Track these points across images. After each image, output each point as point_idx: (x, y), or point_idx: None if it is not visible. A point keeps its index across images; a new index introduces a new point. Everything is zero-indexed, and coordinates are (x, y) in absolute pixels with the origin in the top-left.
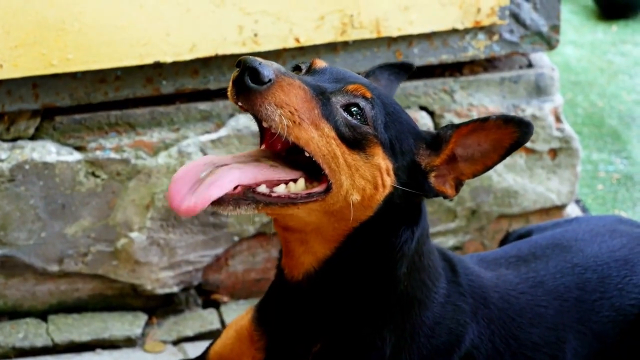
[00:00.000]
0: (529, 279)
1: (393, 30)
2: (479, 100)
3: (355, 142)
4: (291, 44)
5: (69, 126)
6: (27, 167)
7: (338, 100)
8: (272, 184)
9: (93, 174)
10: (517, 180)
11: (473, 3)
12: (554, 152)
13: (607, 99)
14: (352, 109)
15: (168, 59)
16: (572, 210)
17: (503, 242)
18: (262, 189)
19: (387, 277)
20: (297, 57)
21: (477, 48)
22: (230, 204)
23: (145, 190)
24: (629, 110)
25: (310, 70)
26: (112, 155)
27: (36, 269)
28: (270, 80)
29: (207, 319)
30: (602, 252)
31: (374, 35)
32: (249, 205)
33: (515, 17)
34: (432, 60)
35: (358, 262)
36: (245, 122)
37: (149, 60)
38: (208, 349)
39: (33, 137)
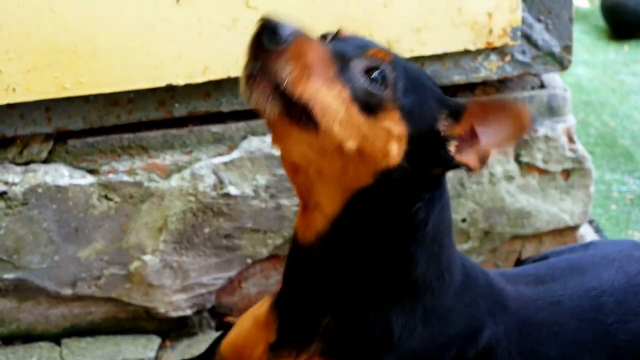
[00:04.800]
0: (547, 298)
1: (405, 51)
2: None
3: (369, 107)
4: None
5: (82, 149)
6: (40, 190)
7: (357, 65)
8: None
9: (106, 197)
10: (530, 201)
11: (485, 24)
12: (566, 173)
13: (619, 119)
14: (372, 74)
15: (180, 81)
16: (586, 231)
17: (517, 266)
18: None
19: (402, 257)
20: None
21: (490, 69)
22: (268, 90)
23: (158, 213)
24: None
25: (335, 38)
26: (125, 178)
27: (49, 292)
28: (288, 39)
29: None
30: (619, 277)
31: None
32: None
33: (527, 38)
34: (445, 81)
35: (368, 229)
36: (257, 144)
37: (161, 83)
38: (218, 341)
39: (46, 161)
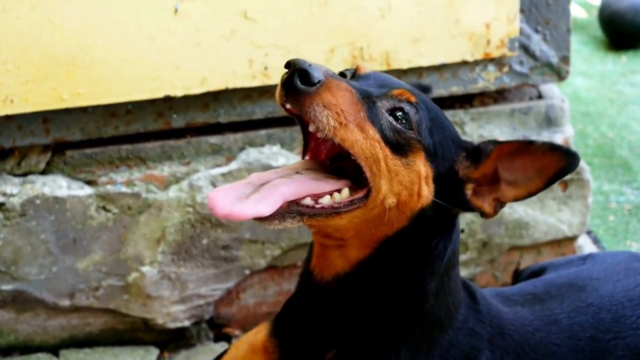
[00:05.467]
0: (544, 317)
1: (403, 62)
2: (489, 131)
3: (398, 146)
4: None
5: (80, 160)
6: (38, 201)
7: (383, 105)
8: (317, 195)
9: (104, 208)
10: (528, 211)
11: (483, 35)
12: (565, 184)
13: (617, 129)
14: (397, 114)
15: (178, 92)
16: (584, 242)
17: (515, 277)
18: (307, 201)
19: (416, 292)
20: None
21: (487, 80)
22: (275, 218)
23: (156, 224)
24: None
25: (355, 76)
26: (123, 189)
27: (47, 303)
28: (319, 81)
29: (219, 353)
30: (617, 292)
31: (384, 68)
32: (294, 219)
33: (525, 49)
34: (442, 92)
35: (389, 270)
36: (255, 155)
37: (159, 94)
38: None
39: (44, 172)
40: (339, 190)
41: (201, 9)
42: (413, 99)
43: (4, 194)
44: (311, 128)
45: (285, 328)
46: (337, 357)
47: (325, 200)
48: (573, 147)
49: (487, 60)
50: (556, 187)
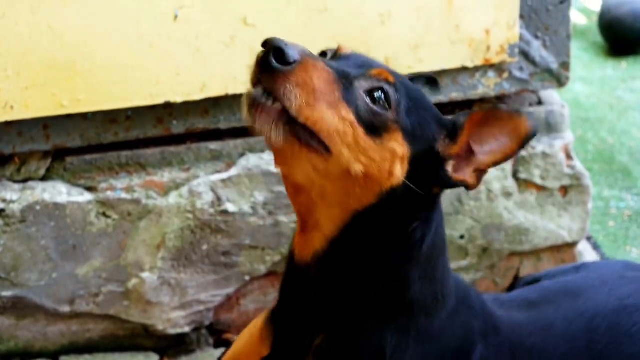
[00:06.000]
0: (539, 322)
1: (403, 68)
2: None
3: (373, 127)
4: None
5: (80, 167)
6: (38, 208)
7: (361, 85)
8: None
9: (104, 214)
10: (528, 217)
11: (483, 41)
12: (564, 190)
13: (617, 135)
14: (375, 94)
15: (178, 98)
16: (584, 248)
17: (513, 286)
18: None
19: (396, 277)
20: None
21: (487, 86)
22: (272, 116)
23: (156, 230)
24: None
25: (336, 56)
26: (123, 195)
27: (47, 309)
28: (295, 60)
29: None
30: (612, 300)
31: None
32: (281, 126)
33: (525, 55)
34: (442, 98)
35: (364, 250)
36: (255, 161)
37: (159, 100)
38: (221, 356)
39: (44, 178)
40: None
41: (201, 15)
42: (392, 79)
43: (4, 201)
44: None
45: (278, 315)
46: (324, 342)
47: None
48: (573, 153)
49: (487, 66)
50: (556, 193)
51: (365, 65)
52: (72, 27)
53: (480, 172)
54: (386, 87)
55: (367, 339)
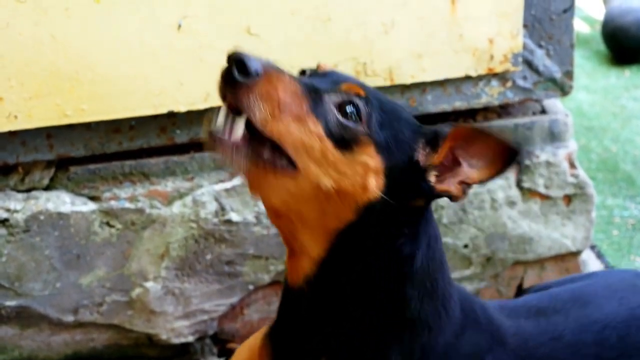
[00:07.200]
0: (548, 332)
1: (406, 77)
2: None
3: (343, 141)
4: None
5: (84, 176)
6: (41, 217)
7: (331, 99)
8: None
9: (108, 223)
10: (532, 226)
11: (486, 50)
12: (568, 198)
13: (620, 144)
14: (346, 107)
15: (182, 108)
16: (588, 257)
17: (518, 294)
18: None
19: (391, 296)
20: None
21: (491, 95)
22: (232, 147)
23: (160, 240)
24: None
25: (314, 74)
26: (127, 205)
27: (51, 319)
28: (257, 73)
29: None
30: (622, 310)
31: (388, 83)
32: (240, 153)
33: (529, 64)
34: (446, 107)
35: (356, 270)
36: None
37: (162, 110)
38: None
39: (47, 188)
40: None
41: (204, 25)
42: (362, 93)
43: (8, 210)
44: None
45: (277, 334)
46: None
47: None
48: (577, 162)
49: (491, 76)
50: (560, 201)
51: (337, 81)
52: (76, 37)
53: (466, 185)
54: (356, 100)
55: None
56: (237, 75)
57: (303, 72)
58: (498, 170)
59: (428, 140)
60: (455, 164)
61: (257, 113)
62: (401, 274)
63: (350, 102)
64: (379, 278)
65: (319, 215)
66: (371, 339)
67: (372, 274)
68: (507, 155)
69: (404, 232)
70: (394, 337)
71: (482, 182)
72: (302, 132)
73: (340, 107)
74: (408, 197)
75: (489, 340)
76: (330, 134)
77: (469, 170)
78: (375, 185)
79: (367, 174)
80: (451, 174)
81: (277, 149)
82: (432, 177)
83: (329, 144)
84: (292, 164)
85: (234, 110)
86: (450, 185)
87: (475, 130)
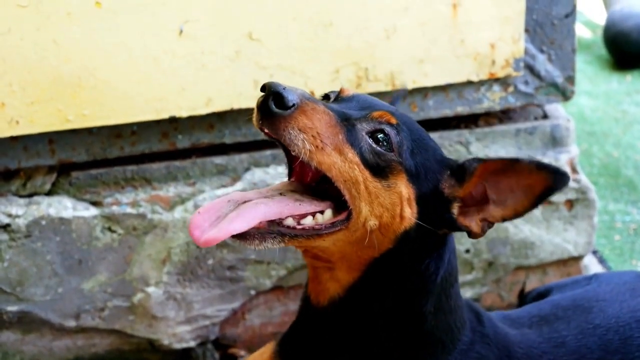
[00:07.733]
0: (552, 339)
1: (408, 82)
2: (494, 151)
3: (378, 169)
4: None
5: (85, 181)
6: (43, 222)
7: (363, 127)
8: (300, 216)
9: (109, 229)
10: (534, 231)
11: (488, 55)
12: (570, 203)
13: (622, 149)
14: (378, 135)
15: (184, 113)
16: (589, 261)
17: (521, 298)
18: (289, 222)
19: (412, 312)
20: None
21: (492, 100)
22: (255, 238)
23: (161, 245)
24: None
25: (338, 98)
26: (129, 210)
27: (53, 324)
28: (294, 105)
29: None
30: (624, 313)
31: (389, 88)
32: (275, 239)
33: (530, 69)
34: (448, 112)
35: (381, 292)
36: (260, 175)
37: (164, 115)
38: None
39: (49, 193)
40: (321, 212)
41: (206, 30)
42: (394, 121)
43: (10, 215)
44: (291, 151)
45: (290, 350)
46: None
47: (308, 222)
48: (579, 167)
49: (492, 80)
50: (562, 206)
51: (367, 107)
52: (78, 43)
53: (488, 223)
54: (388, 129)
55: None
56: (274, 107)
57: (326, 96)
58: (528, 203)
59: (453, 171)
60: (483, 199)
61: (301, 145)
62: (424, 291)
63: (382, 131)
64: (403, 296)
65: (359, 249)
66: (389, 355)
67: (397, 293)
68: (549, 182)
69: (431, 253)
70: (409, 354)
71: (504, 220)
72: (344, 162)
73: (372, 135)
74: (437, 224)
75: (496, 353)
76: (366, 163)
77: (494, 208)
78: (410, 213)
79: (403, 203)
80: (476, 209)
81: (317, 194)
82: (455, 209)
83: (367, 174)
84: (338, 206)
85: (272, 140)
86: (472, 221)
87: (509, 161)
